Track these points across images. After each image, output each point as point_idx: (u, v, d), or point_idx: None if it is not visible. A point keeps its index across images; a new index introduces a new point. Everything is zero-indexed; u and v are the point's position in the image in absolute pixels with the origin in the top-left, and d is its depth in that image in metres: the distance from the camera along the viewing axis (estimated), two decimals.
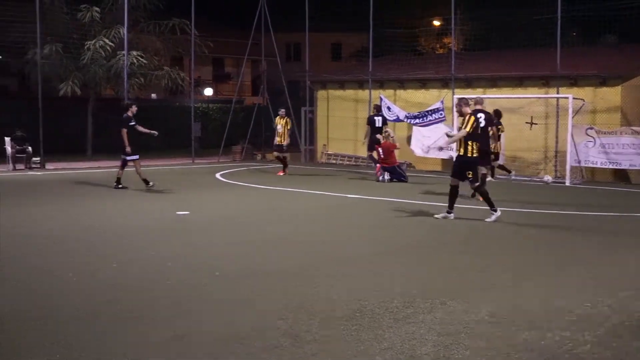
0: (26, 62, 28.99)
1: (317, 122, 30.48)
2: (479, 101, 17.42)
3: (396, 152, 21.54)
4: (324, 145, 30.07)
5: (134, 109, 17.83)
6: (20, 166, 23.96)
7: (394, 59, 29.98)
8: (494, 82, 25.16)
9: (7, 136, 24.24)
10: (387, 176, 20.52)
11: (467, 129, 12.87)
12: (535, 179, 21.94)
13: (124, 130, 17.50)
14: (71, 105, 30.96)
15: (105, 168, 24.99)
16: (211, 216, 13.66)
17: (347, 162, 28.48)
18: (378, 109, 23.24)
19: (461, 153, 13.06)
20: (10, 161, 23.87)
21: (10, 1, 25.49)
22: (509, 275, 8.56)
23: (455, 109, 13.62)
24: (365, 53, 29.57)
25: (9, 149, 23.97)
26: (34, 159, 24.35)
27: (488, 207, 13.08)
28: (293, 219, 13.54)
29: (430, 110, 23.46)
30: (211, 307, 6.96)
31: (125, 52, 27.76)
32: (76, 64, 29.01)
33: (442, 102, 23.52)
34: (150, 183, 17.69)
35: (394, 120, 25.88)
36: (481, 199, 13.50)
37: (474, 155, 12.96)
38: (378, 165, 21.47)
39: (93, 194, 17.28)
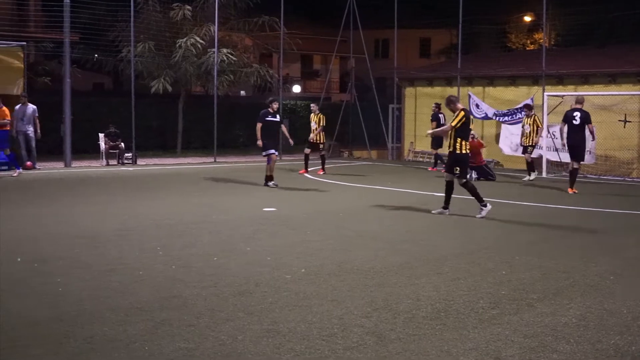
0: (120, 60, 29.73)
1: (405, 119, 30.36)
2: (579, 100, 17.30)
3: (483, 150, 21.38)
4: (411, 142, 29.94)
5: (274, 105, 18.11)
6: (112, 161, 24.60)
7: (483, 55, 29.65)
8: (585, 79, 24.61)
9: (101, 132, 24.94)
10: (473, 175, 20.31)
11: (453, 123, 13.07)
12: (627, 179, 21.41)
13: (259, 125, 17.78)
14: (162, 102, 31.61)
15: (194, 164, 25.48)
16: (297, 213, 13.73)
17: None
18: (439, 107, 23.19)
19: (450, 149, 13.25)
20: (103, 157, 24.54)
21: (106, 1, 26.23)
22: (597, 278, 8.36)
23: (448, 108, 13.58)
24: (454, 49, 29.33)
25: (102, 144, 24.64)
26: (126, 154, 24.96)
27: (478, 203, 13.21)
28: (379, 216, 13.51)
29: (520, 108, 23.12)
30: (296, 304, 7.00)
31: (215, 49, 28.25)
32: (167, 61, 29.64)
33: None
34: (271, 183, 17.95)
35: (483, 118, 25.66)
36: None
37: (463, 151, 13.09)
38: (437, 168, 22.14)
39: (181, 189, 17.61)
